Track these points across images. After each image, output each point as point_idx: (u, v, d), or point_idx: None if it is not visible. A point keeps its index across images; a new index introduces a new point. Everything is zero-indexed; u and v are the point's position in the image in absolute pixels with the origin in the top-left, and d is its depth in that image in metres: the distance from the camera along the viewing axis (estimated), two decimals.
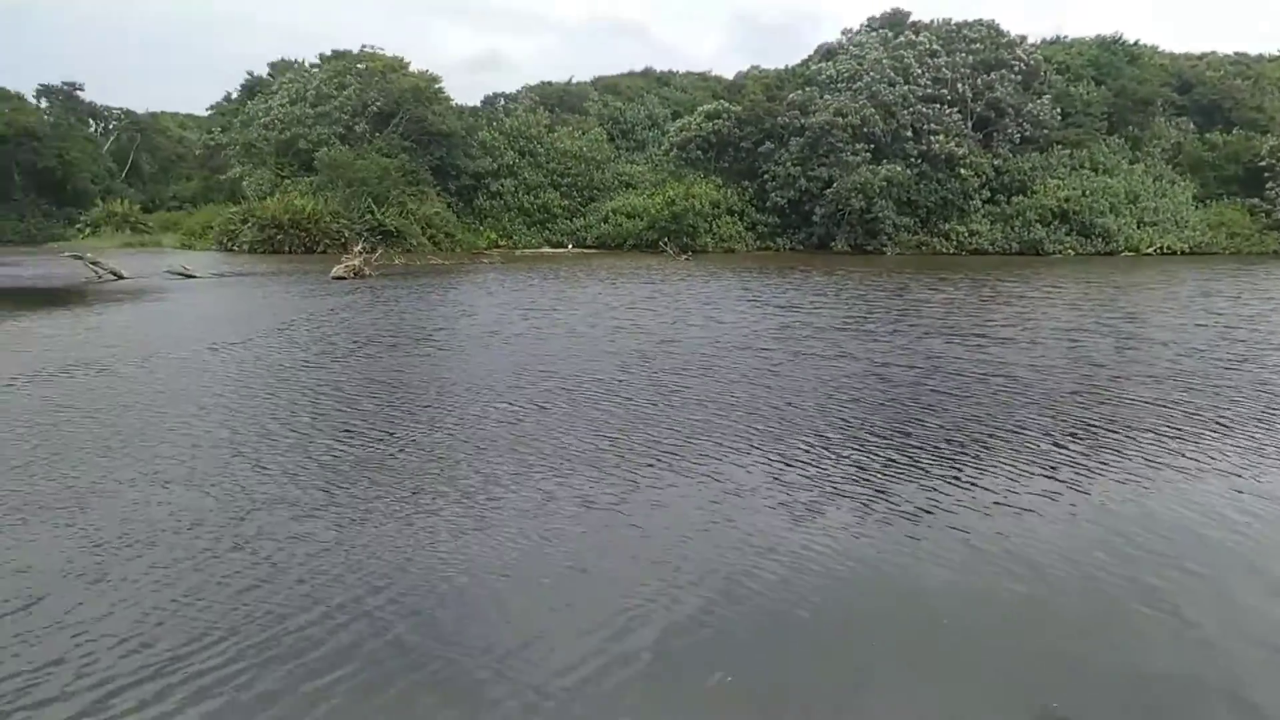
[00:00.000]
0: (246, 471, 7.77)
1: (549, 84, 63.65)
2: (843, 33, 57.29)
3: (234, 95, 64.51)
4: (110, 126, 72.97)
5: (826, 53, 56.75)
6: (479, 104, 60.90)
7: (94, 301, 22.64)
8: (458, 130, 51.12)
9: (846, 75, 51.55)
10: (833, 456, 8.50)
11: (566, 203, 53.81)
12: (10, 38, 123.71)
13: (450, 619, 5.12)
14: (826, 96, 49.93)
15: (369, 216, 44.91)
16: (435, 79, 51.83)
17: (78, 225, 55.08)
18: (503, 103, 61.16)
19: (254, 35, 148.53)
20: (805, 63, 57.81)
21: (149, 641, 4.78)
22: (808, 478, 7.81)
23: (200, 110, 72.69)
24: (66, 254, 35.89)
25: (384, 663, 4.62)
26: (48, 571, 5.61)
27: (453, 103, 53.18)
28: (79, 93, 70.27)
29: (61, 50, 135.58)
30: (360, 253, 32.49)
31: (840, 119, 47.42)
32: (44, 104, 67.47)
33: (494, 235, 51.79)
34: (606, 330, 17.08)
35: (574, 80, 65.09)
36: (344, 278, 28.64)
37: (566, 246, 51.29)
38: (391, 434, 9.19)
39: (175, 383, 11.85)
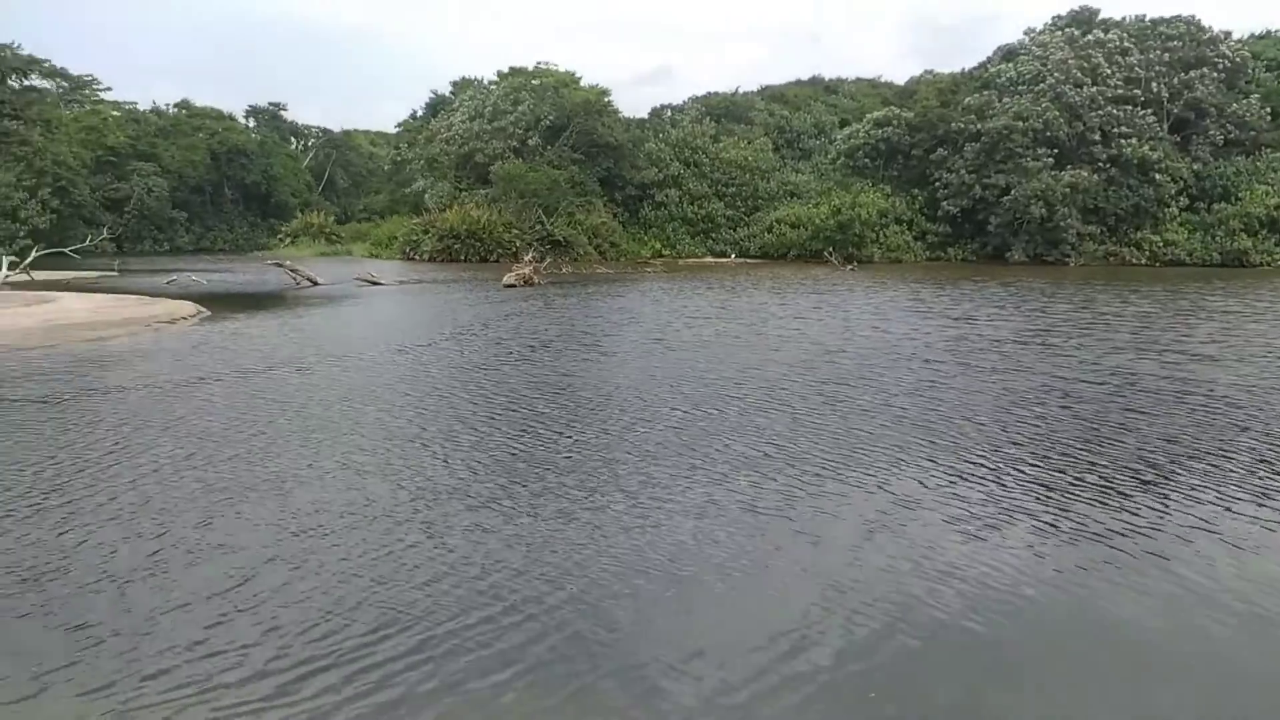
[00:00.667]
0: (433, 466, 8.19)
1: (715, 95, 63.96)
2: (1025, 33, 54.62)
3: (419, 113, 68.41)
4: (309, 144, 79.00)
5: (1007, 54, 54.28)
6: (646, 116, 61.88)
7: (293, 306, 24.53)
8: (625, 142, 52.16)
9: (1028, 77, 49.11)
10: (1012, 473, 8.09)
11: (730, 212, 53.85)
12: (224, 63, 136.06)
13: (626, 620, 5.17)
14: (1006, 100, 47.74)
15: (539, 226, 46.50)
16: (605, 92, 53.14)
17: (279, 235, 59.78)
18: (669, 114, 61.89)
19: (440, 55, 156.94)
20: (983, 65, 55.52)
21: (339, 626, 5.03)
22: (985, 494, 7.47)
23: (389, 127, 77.47)
24: (269, 262, 39.03)
25: (562, 660, 4.70)
26: (254, 552, 6.08)
27: (621, 115, 54.33)
28: (283, 113, 76.51)
29: (268, 73, 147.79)
30: (530, 261, 33.71)
31: (1020, 123, 45.22)
32: (252, 124, 73.80)
33: (658, 245, 52.46)
34: (772, 339, 16.96)
35: (740, 90, 65.13)
36: (515, 285, 29.76)
37: (729, 256, 51.29)
38: (564, 434, 9.46)
39: (367, 381, 12.65)
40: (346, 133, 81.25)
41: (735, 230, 53.45)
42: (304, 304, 24.89)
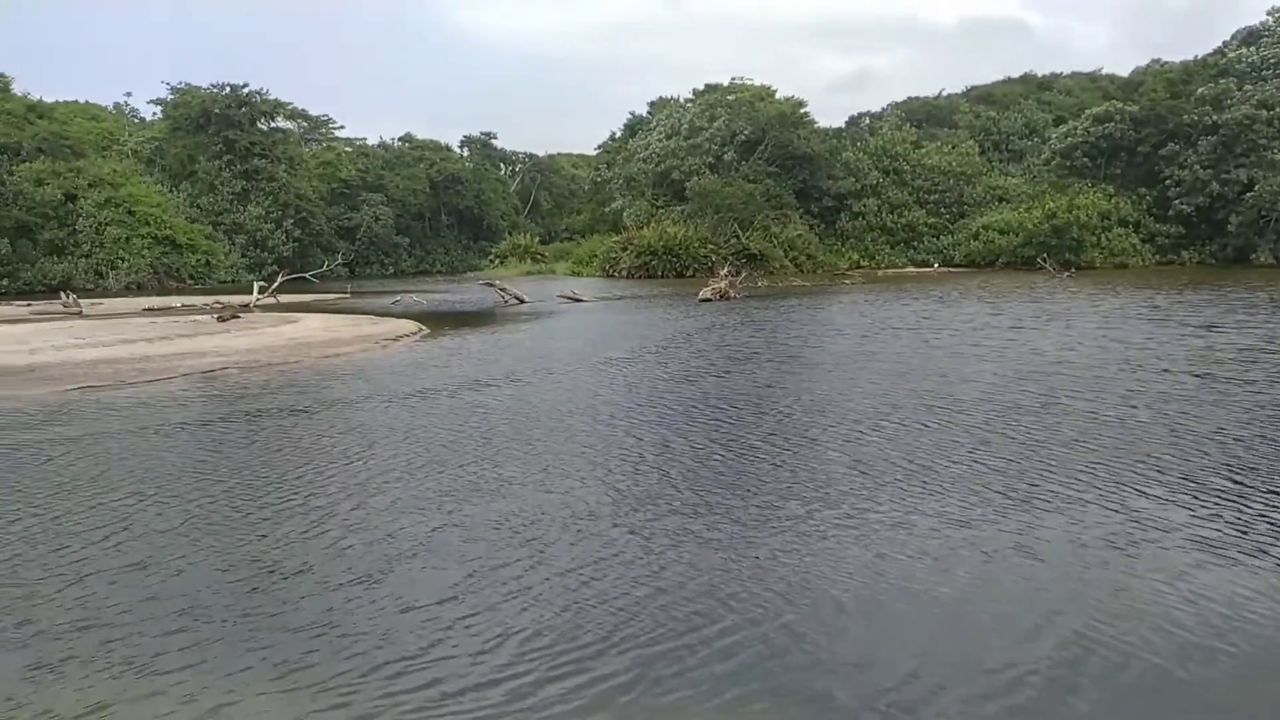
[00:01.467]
0: (646, 475, 8.30)
1: (916, 99, 61.90)
2: (1269, 13, 49.28)
3: (618, 134, 70.45)
4: (516, 169, 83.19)
5: (1247, 37, 49.23)
6: (843, 125, 60.75)
7: (503, 323, 25.81)
8: (821, 153, 51.42)
9: (1274, 61, 44.27)
10: (1266, 497, 7.22)
11: (933, 220, 51.85)
12: (442, 99, 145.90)
13: (861, 640, 5.00)
14: (1247, 87, 43.26)
15: (734, 241, 46.60)
16: (800, 103, 52.65)
17: (489, 256, 63.21)
18: (867, 122, 60.48)
19: (639, 77, 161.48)
20: (1220, 51, 50.62)
21: (567, 635, 5.09)
22: (1241, 521, 6.70)
23: (590, 150, 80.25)
24: (481, 282, 41.31)
25: (798, 680, 4.54)
26: (483, 558, 6.37)
27: (816, 125, 53.63)
28: (493, 141, 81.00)
29: (481, 104, 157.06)
30: (726, 275, 33.79)
31: (1264, 111, 40.83)
32: (466, 153, 78.58)
33: (856, 256, 51.27)
34: (988, 349, 16.09)
35: (944, 93, 62.71)
36: (711, 300, 29.92)
37: (932, 266, 49.34)
38: (771, 446, 9.35)
39: (575, 393, 13.09)
40: (550, 156, 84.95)
41: (938, 239, 51.37)
42: (512, 321, 26.13)
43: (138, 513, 7.38)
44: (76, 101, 62.23)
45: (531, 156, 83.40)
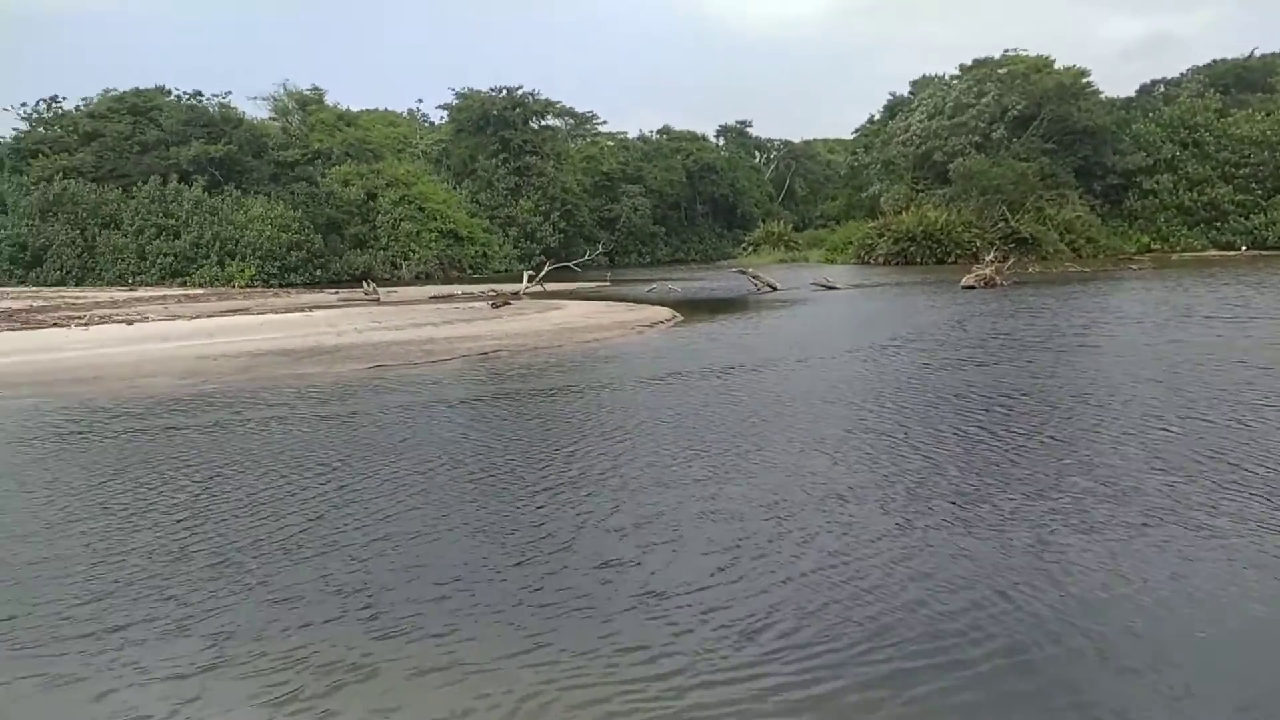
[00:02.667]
0: (910, 465, 8.01)
1: (1222, 62, 54.89)
2: None
3: (877, 117, 68.19)
4: (771, 156, 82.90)
5: None
6: (1133, 95, 55.08)
7: (756, 310, 25.87)
8: (1106, 125, 46.99)
9: None
10: None
11: (1241, 198, 45.89)
12: (701, 90, 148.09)
13: (1149, 660, 4.58)
14: None
15: (1002, 224, 43.71)
16: (1083, 73, 48.36)
17: (742, 245, 63.53)
18: (1161, 90, 54.44)
19: (900, 57, 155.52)
20: None
21: (824, 631, 4.96)
22: None
23: (846, 134, 78.33)
24: (733, 270, 41.58)
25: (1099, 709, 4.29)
26: (741, 535, 6.44)
27: (1102, 96, 49.00)
28: (748, 130, 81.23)
29: (737, 93, 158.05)
30: (992, 261, 31.79)
31: None
32: (721, 142, 79.37)
33: (1145, 239, 46.45)
34: None
35: (1256, 53, 55.08)
36: (974, 287, 28.27)
37: (1239, 249, 43.66)
38: (1046, 438, 8.70)
39: (830, 379, 12.89)
40: (806, 142, 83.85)
41: (1247, 218, 45.38)
42: (765, 308, 26.12)
43: (425, 480, 8.15)
44: (377, 110, 69.48)
45: (786, 143, 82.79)
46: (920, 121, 52.28)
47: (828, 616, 5.07)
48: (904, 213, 46.85)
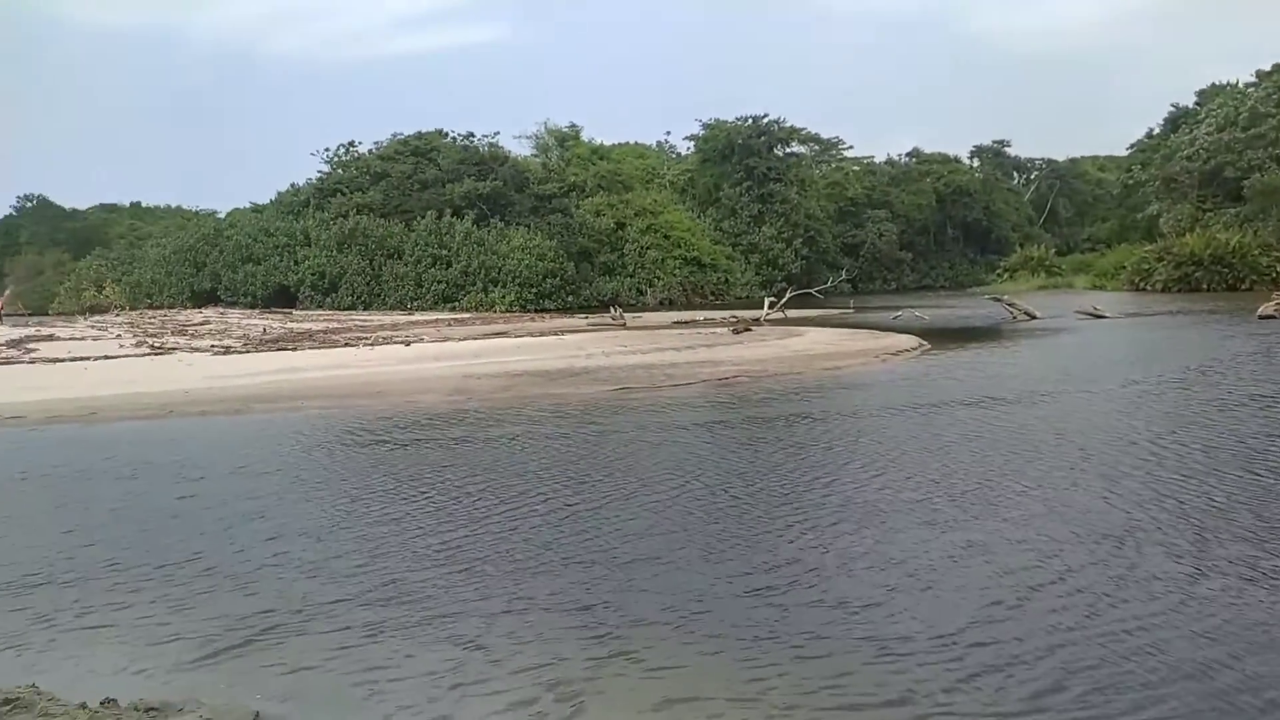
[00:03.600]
0: (1189, 504, 7.28)
1: None
2: None
3: (1156, 130, 62.33)
4: (1031, 177, 77.92)
5: None
6: None
7: (1011, 339, 24.36)
8: None
9: None
10: None
11: None
12: (941, 113, 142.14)
13: None
14: None
15: None
16: None
17: (997, 270, 60.00)
18: None
19: (1182, 67, 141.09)
20: None
21: (1089, 692, 4.61)
22: None
23: (1119, 150, 72.09)
24: (986, 297, 39.41)
25: None
26: (995, 578, 6.09)
27: None
28: (1005, 150, 76.87)
29: (993, 112, 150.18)
30: None
31: None
32: (976, 163, 75.65)
33: None
34: None
35: None
36: (1274, 316, 24.99)
37: None
38: None
39: (1096, 413, 11.93)
40: (1071, 161, 78.00)
41: None
42: (1023, 336, 24.54)
43: (667, 502, 8.38)
44: (628, 143, 72.59)
45: (1049, 162, 77.38)
46: (1209, 134, 47.15)
47: (1099, 676, 4.66)
48: (1188, 234, 42.32)
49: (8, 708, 4.33)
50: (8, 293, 57.03)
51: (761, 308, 35.27)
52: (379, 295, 49.40)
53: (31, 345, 27.69)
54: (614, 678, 4.80)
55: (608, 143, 67.32)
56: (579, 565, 6.57)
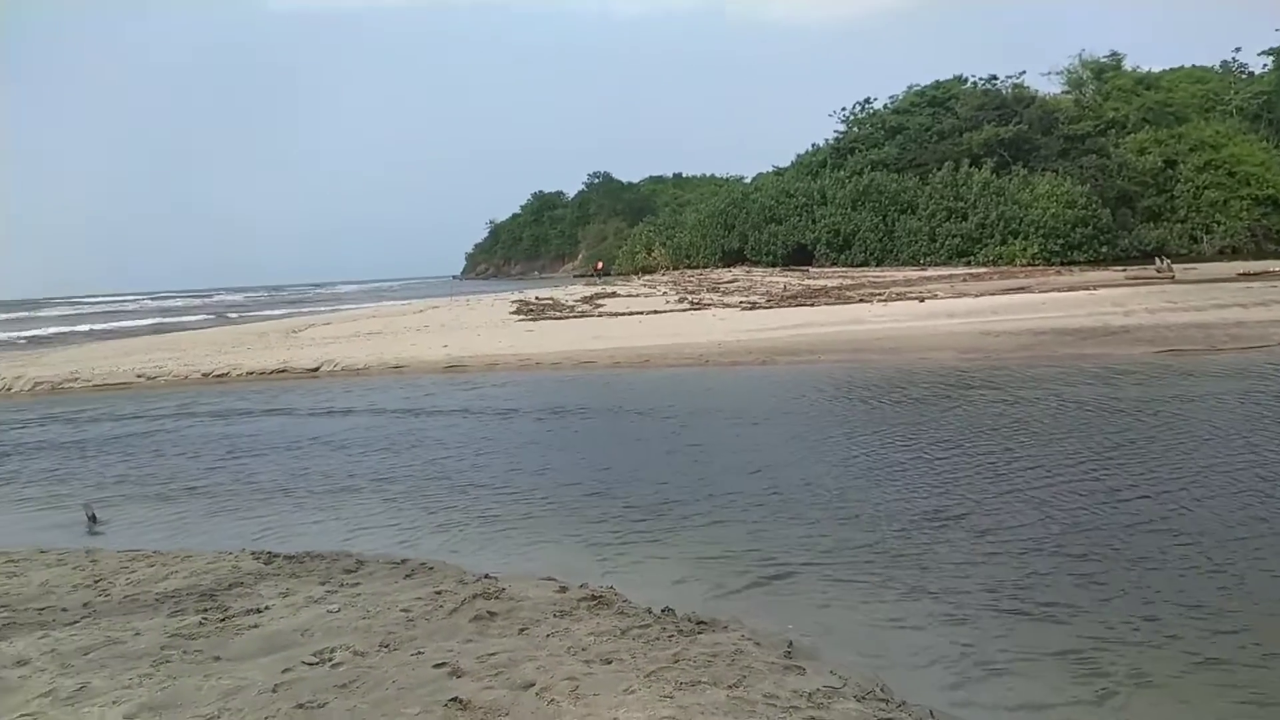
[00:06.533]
0: None
1: None
2: None
3: None
4: None
5: None
6: None
7: None
8: None
9: None
10: None
11: None
12: None
13: None
14: None
15: None
16: None
17: None
18: None
19: None
20: None
21: None
22: None
23: None
24: None
25: None
26: None
27: None
28: None
29: None
30: None
31: None
32: None
33: None
34: None
35: None
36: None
37: None
38: None
39: None
40: None
41: None
42: None
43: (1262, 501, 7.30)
44: (1181, 67, 62.34)
45: None
46: None
47: None
48: None
49: (594, 602, 5.34)
50: (599, 264, 68.76)
51: None
52: (891, 251, 49.31)
53: (599, 301, 32.89)
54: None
55: (1155, 69, 58.67)
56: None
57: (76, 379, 18.91)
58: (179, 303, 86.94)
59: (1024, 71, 54.99)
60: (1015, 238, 44.32)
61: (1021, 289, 26.98)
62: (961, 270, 40.33)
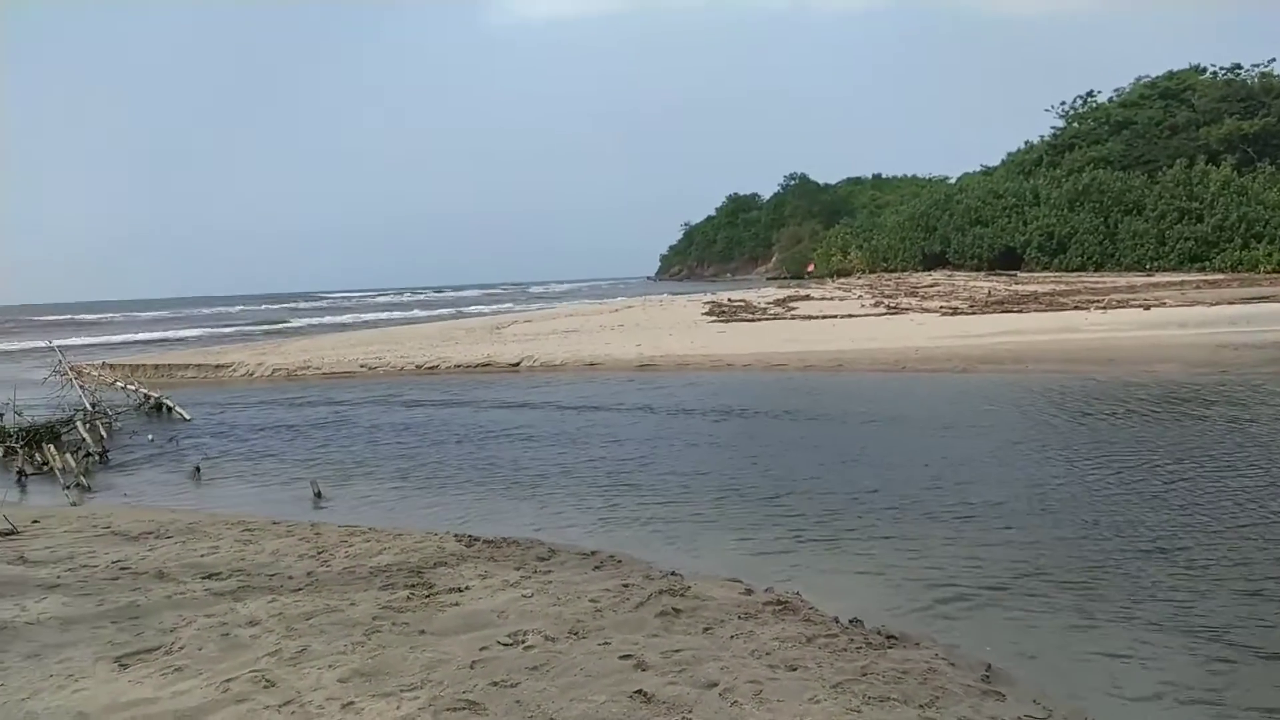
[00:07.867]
0: None
1: None
2: None
3: None
4: None
5: None
6: None
7: None
8: None
9: None
10: None
11: None
12: None
13: None
14: None
15: None
16: None
17: None
18: None
19: None
20: None
21: None
22: None
23: None
24: None
25: None
26: None
27: None
28: None
29: None
30: None
31: None
32: None
33: None
34: None
35: None
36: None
37: None
38: None
39: None
40: None
41: None
42: None
43: None
44: None
45: None
46: None
47: None
48: None
49: (779, 607, 5.26)
50: (811, 264, 68.33)
51: None
52: (1113, 255, 45.72)
53: (792, 304, 32.49)
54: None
55: None
56: None
57: (308, 367, 20.74)
58: (420, 296, 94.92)
59: (1274, 59, 49.46)
60: (1259, 242, 39.91)
61: (1266, 298, 24.25)
62: (1195, 276, 36.75)
